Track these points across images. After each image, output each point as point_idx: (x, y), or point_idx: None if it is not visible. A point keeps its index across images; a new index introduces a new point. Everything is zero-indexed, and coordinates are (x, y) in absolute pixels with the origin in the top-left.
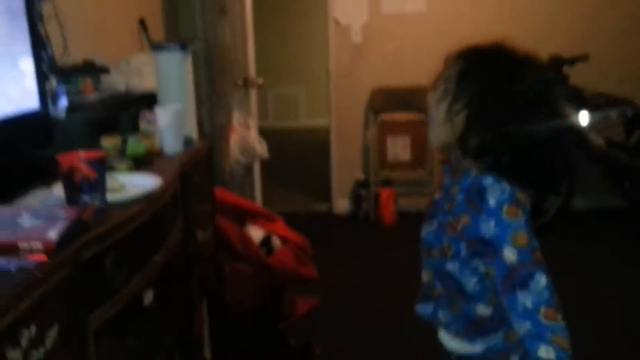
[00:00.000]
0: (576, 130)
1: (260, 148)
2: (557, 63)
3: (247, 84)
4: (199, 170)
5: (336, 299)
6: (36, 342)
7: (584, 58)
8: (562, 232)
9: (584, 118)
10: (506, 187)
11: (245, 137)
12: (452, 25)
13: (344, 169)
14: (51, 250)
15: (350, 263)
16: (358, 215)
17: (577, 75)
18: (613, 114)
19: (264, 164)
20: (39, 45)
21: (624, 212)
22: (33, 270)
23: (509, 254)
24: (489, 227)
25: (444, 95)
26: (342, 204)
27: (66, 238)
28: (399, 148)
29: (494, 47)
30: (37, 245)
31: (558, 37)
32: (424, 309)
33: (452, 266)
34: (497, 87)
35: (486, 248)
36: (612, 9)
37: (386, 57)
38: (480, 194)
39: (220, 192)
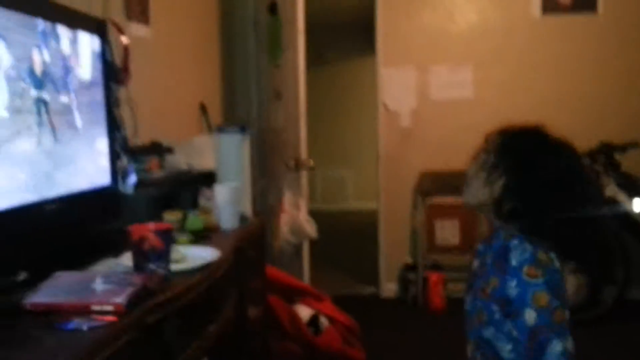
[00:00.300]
0: (623, 214)
1: (310, 228)
2: (608, 150)
3: (298, 165)
4: (252, 246)
5: None
6: None
7: (634, 145)
8: (619, 323)
9: (637, 205)
10: (528, 247)
11: (295, 217)
12: (499, 111)
13: (392, 252)
14: (121, 312)
15: (398, 348)
16: (406, 300)
17: (629, 162)
18: None
19: (313, 245)
20: (113, 127)
21: None
22: (104, 330)
23: (529, 316)
24: (511, 287)
25: (484, 164)
26: (389, 288)
27: (134, 302)
28: (448, 232)
29: (532, 127)
30: (109, 307)
31: (608, 123)
32: None
33: (487, 332)
34: (534, 160)
35: (512, 309)
36: None
37: (434, 142)
38: (505, 254)
39: (270, 270)
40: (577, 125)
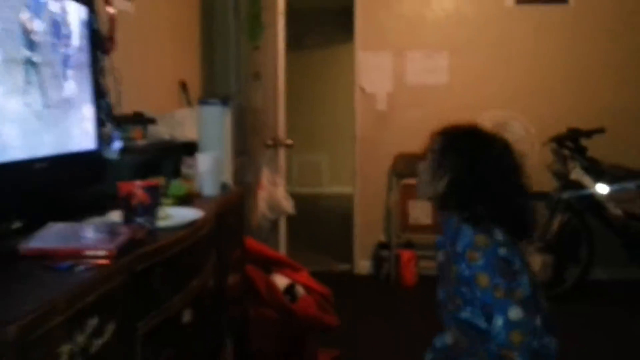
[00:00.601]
0: (594, 199)
1: (287, 204)
2: (575, 135)
3: (276, 143)
4: (232, 213)
5: (356, 353)
6: (97, 332)
7: (600, 131)
8: (581, 301)
9: (601, 188)
10: (468, 232)
11: (273, 193)
12: (472, 97)
13: (367, 231)
14: (112, 257)
15: (370, 321)
16: (379, 276)
17: (595, 148)
18: (631, 185)
19: (289, 225)
20: (99, 94)
21: None
22: (97, 272)
23: (478, 294)
24: (464, 270)
25: (431, 163)
26: (363, 265)
27: (124, 249)
28: (421, 212)
29: (469, 127)
30: (101, 252)
31: (577, 111)
32: None
33: (465, 314)
34: (471, 158)
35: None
36: (629, 86)
37: (409, 125)
38: (455, 241)
39: (249, 241)
40: (546, 112)
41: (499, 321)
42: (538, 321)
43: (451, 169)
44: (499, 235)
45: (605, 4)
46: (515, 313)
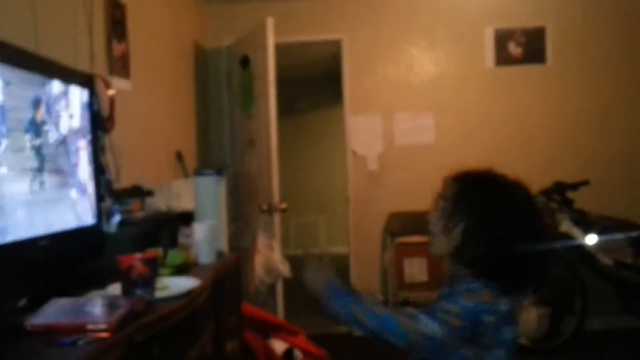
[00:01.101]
0: (584, 250)
1: (284, 268)
2: (561, 188)
3: (271, 208)
4: (229, 279)
5: None
6: None
7: (585, 183)
8: (578, 353)
9: (591, 239)
10: (479, 282)
11: (269, 257)
12: (458, 155)
13: (364, 291)
14: (112, 330)
15: None
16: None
17: (581, 200)
18: (619, 235)
19: (286, 289)
20: (99, 171)
21: (638, 332)
22: (98, 345)
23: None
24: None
25: (443, 212)
26: None
27: (124, 322)
28: (416, 269)
29: (485, 172)
30: (102, 326)
31: (559, 164)
32: None
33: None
34: (489, 206)
35: None
36: (610, 138)
37: (400, 184)
38: (456, 288)
39: (246, 306)
40: (532, 167)
41: (422, 318)
42: None
43: (465, 216)
44: (505, 306)
45: (579, 63)
46: (431, 329)
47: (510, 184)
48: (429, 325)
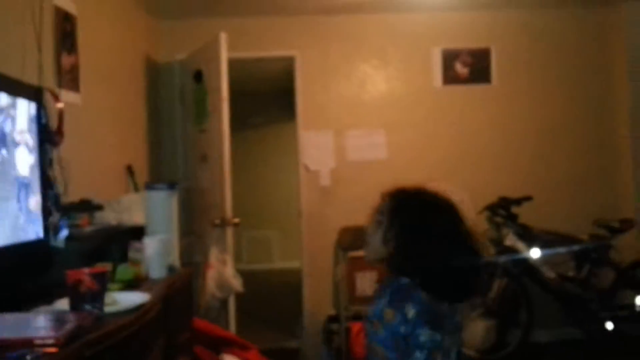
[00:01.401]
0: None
1: (236, 282)
2: (506, 203)
3: (223, 223)
4: (180, 294)
5: None
6: None
7: (528, 198)
8: None
9: (535, 253)
10: (381, 303)
11: (221, 272)
12: (409, 170)
13: (316, 306)
14: (60, 344)
15: None
16: (330, 350)
17: (526, 215)
18: (562, 249)
19: (239, 304)
20: (47, 185)
21: (582, 343)
22: (46, 359)
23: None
24: (369, 334)
25: (379, 225)
26: (314, 340)
27: (72, 337)
28: (368, 283)
29: (417, 189)
30: (49, 341)
31: (504, 179)
32: None
33: None
34: (417, 223)
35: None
36: (550, 155)
37: (352, 199)
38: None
39: (197, 322)
40: (479, 182)
41: None
42: None
43: (398, 231)
44: (410, 310)
45: (521, 83)
46: None
47: (439, 201)
48: None
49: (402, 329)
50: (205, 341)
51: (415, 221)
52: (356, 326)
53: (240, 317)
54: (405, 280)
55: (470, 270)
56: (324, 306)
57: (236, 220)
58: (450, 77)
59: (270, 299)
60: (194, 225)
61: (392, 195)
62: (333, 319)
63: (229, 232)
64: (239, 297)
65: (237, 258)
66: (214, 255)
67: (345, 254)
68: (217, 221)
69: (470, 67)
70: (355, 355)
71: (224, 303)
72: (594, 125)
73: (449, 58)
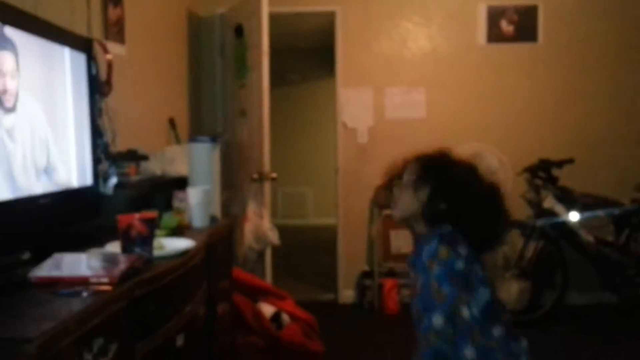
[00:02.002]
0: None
1: (273, 236)
2: (546, 165)
3: (261, 177)
4: (222, 244)
5: None
6: (102, 351)
7: (570, 161)
8: (557, 325)
9: (573, 216)
10: (434, 243)
11: (258, 225)
12: (448, 130)
13: (350, 261)
14: (114, 283)
15: (355, 347)
16: (362, 305)
17: (566, 178)
18: (601, 213)
19: (274, 256)
20: (96, 134)
21: (617, 308)
22: (101, 297)
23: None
24: (424, 278)
25: (408, 183)
26: (347, 294)
27: (125, 277)
28: (402, 241)
29: (441, 152)
30: (104, 279)
31: (546, 142)
32: None
33: (427, 317)
34: (445, 174)
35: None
36: (597, 118)
37: (390, 157)
38: (421, 253)
39: (236, 271)
40: (518, 143)
41: (425, 319)
42: (498, 330)
43: (431, 179)
44: (462, 250)
45: (569, 42)
46: (437, 320)
47: (461, 161)
48: (436, 323)
49: (459, 264)
50: (243, 289)
51: (442, 181)
52: (389, 282)
53: (275, 270)
54: (448, 227)
55: (499, 221)
56: (358, 262)
57: (274, 175)
58: (495, 34)
59: (305, 254)
60: (232, 179)
61: (418, 158)
62: (367, 274)
63: (267, 186)
64: (274, 250)
65: (272, 213)
66: (251, 208)
67: (381, 212)
68: (255, 175)
69: (516, 25)
70: (388, 310)
71: (260, 255)
72: None
73: (495, 15)
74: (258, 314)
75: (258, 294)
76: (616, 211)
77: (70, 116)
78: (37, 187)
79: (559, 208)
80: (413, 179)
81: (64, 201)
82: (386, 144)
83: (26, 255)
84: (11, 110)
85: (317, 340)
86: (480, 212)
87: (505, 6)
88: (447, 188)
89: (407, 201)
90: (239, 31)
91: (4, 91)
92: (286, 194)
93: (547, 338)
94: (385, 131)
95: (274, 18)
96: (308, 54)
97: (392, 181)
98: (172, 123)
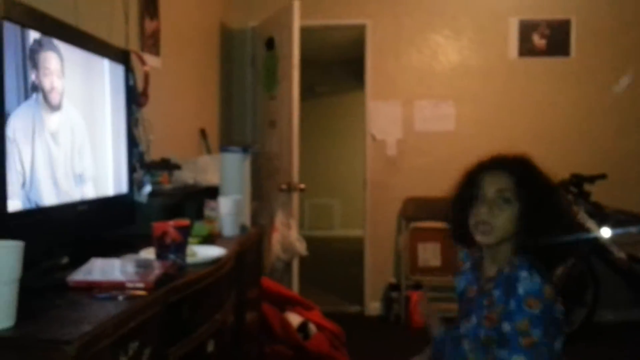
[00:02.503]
0: (598, 243)
1: (300, 246)
2: (578, 180)
3: (290, 188)
4: (251, 253)
5: None
6: (137, 354)
7: (602, 177)
8: (587, 343)
9: (605, 232)
10: (536, 279)
11: (286, 236)
12: (477, 144)
13: (377, 273)
14: (150, 289)
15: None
16: (389, 317)
17: (598, 193)
18: (634, 229)
19: (301, 268)
20: (132, 143)
21: None
22: (137, 302)
23: (505, 326)
24: (515, 311)
25: (505, 203)
26: (374, 306)
27: (159, 282)
28: (430, 254)
29: (527, 159)
30: (140, 285)
31: (577, 157)
32: None
33: (502, 353)
34: (542, 197)
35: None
36: (630, 133)
37: (418, 170)
38: (514, 283)
39: (264, 280)
40: (549, 158)
41: (505, 356)
42: None
43: (525, 207)
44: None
45: (602, 57)
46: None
47: (549, 178)
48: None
49: (557, 308)
50: (271, 299)
51: (540, 196)
52: (416, 295)
53: (302, 280)
54: (530, 256)
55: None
56: (385, 274)
57: (302, 186)
58: (526, 49)
59: (331, 265)
60: (261, 189)
61: (513, 169)
62: (394, 287)
63: (295, 197)
64: (301, 261)
65: (300, 224)
66: (279, 219)
67: (409, 224)
68: (284, 186)
69: (548, 39)
70: (414, 324)
71: (287, 265)
72: None
73: (526, 29)
74: (285, 323)
75: (286, 303)
76: None
77: (108, 125)
78: (76, 193)
79: (590, 224)
80: (507, 196)
81: (101, 208)
82: (415, 156)
83: (65, 260)
84: (57, 108)
85: (343, 352)
86: (564, 231)
87: (537, 20)
88: (543, 205)
89: (504, 222)
90: (270, 44)
91: (52, 89)
92: (314, 205)
93: (578, 354)
94: (414, 144)
95: (304, 31)
96: (338, 66)
97: (462, 192)
98: (203, 133)
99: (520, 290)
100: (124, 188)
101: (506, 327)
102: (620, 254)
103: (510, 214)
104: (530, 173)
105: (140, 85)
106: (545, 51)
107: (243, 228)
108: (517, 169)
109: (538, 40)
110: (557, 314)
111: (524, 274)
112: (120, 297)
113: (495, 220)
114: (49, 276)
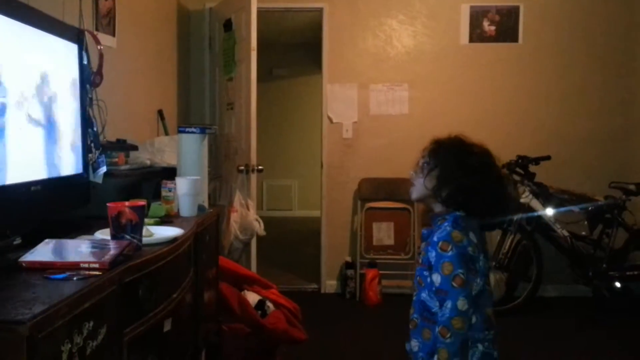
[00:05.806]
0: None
1: (258, 226)
2: (524, 161)
3: (247, 169)
4: (209, 233)
5: None
6: (92, 335)
7: (546, 158)
8: (531, 315)
9: (549, 211)
10: (448, 227)
11: (245, 216)
12: (429, 126)
13: (333, 252)
14: (105, 269)
15: (337, 335)
16: (345, 294)
17: (542, 174)
18: (576, 208)
19: (259, 248)
20: (87, 124)
21: (588, 300)
22: (91, 282)
23: (435, 278)
24: (432, 256)
25: (422, 167)
26: (330, 284)
27: (115, 262)
28: (384, 233)
29: (455, 136)
30: (95, 265)
31: (524, 140)
32: (407, 345)
33: (423, 294)
34: (456, 158)
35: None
36: (573, 117)
37: (373, 152)
38: (433, 235)
39: (222, 260)
40: (497, 141)
41: (448, 305)
42: (474, 319)
43: (440, 164)
44: (473, 237)
45: (549, 43)
46: (462, 303)
47: (474, 145)
48: (459, 304)
49: (470, 250)
50: (229, 278)
51: (454, 157)
52: (370, 272)
53: (260, 260)
54: (459, 212)
55: (504, 201)
56: (341, 253)
57: (260, 167)
58: (477, 34)
59: (289, 245)
60: (220, 170)
61: (433, 140)
62: (349, 265)
63: (253, 178)
64: (259, 240)
65: (258, 204)
66: (237, 199)
67: (364, 204)
68: (242, 167)
69: (497, 25)
70: (369, 300)
71: (246, 245)
72: (617, 87)
73: (477, 15)
74: (243, 302)
75: (244, 282)
76: (590, 207)
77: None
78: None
79: (535, 203)
80: (425, 162)
81: (55, 188)
82: (370, 138)
83: (17, 241)
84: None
85: (300, 328)
86: (489, 197)
87: (487, 7)
88: (457, 172)
89: (420, 183)
90: (227, 25)
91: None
92: (272, 186)
93: (521, 326)
94: (370, 126)
95: (262, 13)
96: (296, 49)
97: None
98: (160, 114)
99: (435, 238)
100: (79, 168)
101: (436, 278)
102: (563, 232)
103: (423, 178)
104: (446, 147)
105: (94, 65)
106: (494, 37)
107: (201, 208)
108: (438, 142)
109: (488, 27)
110: (469, 253)
111: (443, 226)
112: (75, 278)
113: (414, 181)
114: (0, 257)
